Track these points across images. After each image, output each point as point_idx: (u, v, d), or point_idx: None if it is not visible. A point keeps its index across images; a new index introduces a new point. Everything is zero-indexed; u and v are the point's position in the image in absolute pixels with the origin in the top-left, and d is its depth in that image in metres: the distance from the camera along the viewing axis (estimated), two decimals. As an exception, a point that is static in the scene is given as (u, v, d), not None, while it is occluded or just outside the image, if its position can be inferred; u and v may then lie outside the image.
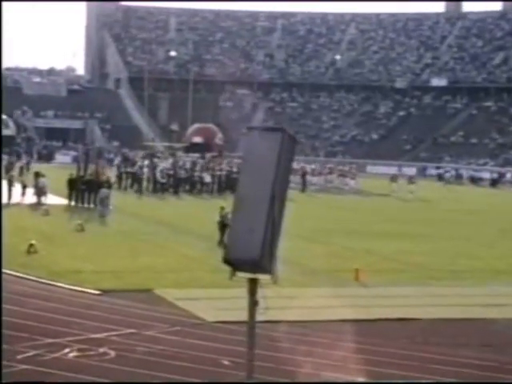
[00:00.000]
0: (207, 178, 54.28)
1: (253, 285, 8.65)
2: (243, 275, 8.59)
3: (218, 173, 54.83)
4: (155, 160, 62.72)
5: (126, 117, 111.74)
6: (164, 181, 53.32)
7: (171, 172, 54.61)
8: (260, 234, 8.27)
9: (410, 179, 62.12)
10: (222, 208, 28.24)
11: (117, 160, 65.92)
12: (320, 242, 31.48)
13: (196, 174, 55.45)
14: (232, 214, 8.58)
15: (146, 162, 59.21)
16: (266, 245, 8.31)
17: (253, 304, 8.69)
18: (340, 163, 79.08)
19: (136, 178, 53.51)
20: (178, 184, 53.37)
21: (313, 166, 69.36)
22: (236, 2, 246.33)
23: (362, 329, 17.49)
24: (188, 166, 59.25)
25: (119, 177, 54.58)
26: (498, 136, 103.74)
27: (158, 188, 52.62)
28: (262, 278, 8.57)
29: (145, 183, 53.76)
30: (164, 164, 58.60)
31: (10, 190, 42.23)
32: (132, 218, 37.46)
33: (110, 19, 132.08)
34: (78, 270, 23.42)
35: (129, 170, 56.16)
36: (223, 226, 27.00)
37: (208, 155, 78.08)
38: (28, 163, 67.76)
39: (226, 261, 8.49)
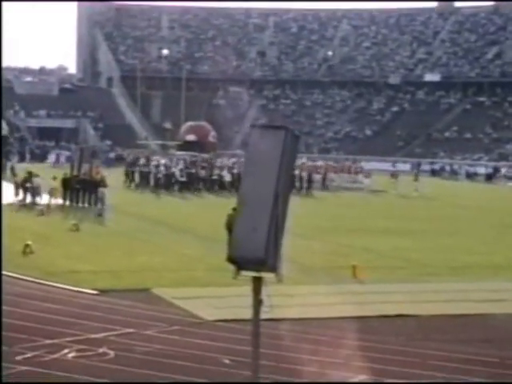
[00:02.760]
0: (227, 177, 54.04)
1: (257, 283, 8.57)
2: (247, 274, 8.50)
3: (236, 171, 53.85)
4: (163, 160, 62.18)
5: (119, 115, 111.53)
6: (183, 179, 53.38)
7: (193, 171, 54.84)
8: (264, 233, 8.20)
9: (415, 176, 61.97)
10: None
11: (129, 158, 65.88)
12: (317, 239, 31.39)
13: (216, 172, 55.25)
14: (236, 212, 8.50)
15: (163, 161, 59.26)
16: (270, 243, 8.23)
17: (257, 303, 8.61)
18: (335, 160, 79.07)
19: (154, 177, 53.59)
20: (198, 182, 53.34)
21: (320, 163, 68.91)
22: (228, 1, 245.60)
23: (362, 326, 17.41)
24: (205, 164, 58.93)
25: (130, 175, 55.25)
26: (492, 131, 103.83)
27: (177, 187, 52.72)
28: (267, 276, 8.49)
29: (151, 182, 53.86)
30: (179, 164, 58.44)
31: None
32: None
33: (102, 18, 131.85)
34: (74, 270, 23.31)
35: (144, 169, 56.12)
36: None
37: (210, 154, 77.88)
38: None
39: (230, 259, 8.40)
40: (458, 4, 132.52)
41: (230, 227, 26.53)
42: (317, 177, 59.45)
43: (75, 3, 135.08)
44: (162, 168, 55.23)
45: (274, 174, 8.33)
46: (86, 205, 40.88)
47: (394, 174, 64.43)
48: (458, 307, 20.04)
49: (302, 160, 62.01)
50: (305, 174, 56.81)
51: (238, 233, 8.38)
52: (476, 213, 45.16)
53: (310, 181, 56.83)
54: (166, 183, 53.36)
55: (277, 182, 8.31)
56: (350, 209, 45.77)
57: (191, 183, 53.44)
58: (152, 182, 53.51)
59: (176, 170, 54.59)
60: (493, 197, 59.02)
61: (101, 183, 40.62)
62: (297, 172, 54.77)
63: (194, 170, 55.05)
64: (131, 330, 16.60)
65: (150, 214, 38.51)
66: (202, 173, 54.84)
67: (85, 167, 44.07)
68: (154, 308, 18.80)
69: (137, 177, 55.24)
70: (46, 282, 21.43)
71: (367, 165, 78.10)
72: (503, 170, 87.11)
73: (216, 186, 53.65)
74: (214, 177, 54.47)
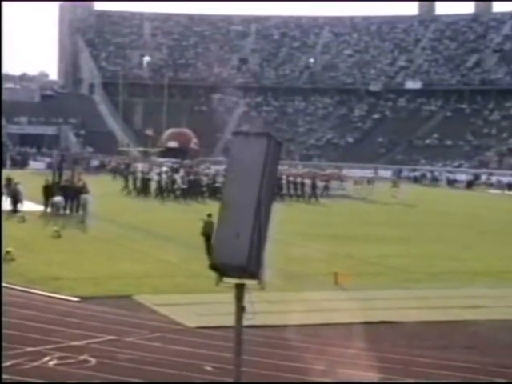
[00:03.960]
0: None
1: (240, 290, 8.57)
2: (230, 281, 8.49)
3: None
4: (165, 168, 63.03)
5: (101, 122, 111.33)
6: (185, 186, 53.62)
7: (192, 178, 55.33)
8: (247, 239, 8.20)
9: (393, 182, 62.29)
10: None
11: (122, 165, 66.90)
12: (299, 245, 31.40)
13: (219, 179, 55.32)
14: (218, 219, 8.49)
15: (165, 169, 60.42)
16: (253, 250, 8.23)
17: (240, 309, 8.60)
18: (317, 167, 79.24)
19: (158, 185, 54.28)
20: (201, 190, 53.43)
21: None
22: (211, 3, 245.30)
23: (344, 332, 17.43)
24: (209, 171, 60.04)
25: (133, 182, 56.00)
26: (472, 138, 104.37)
27: (179, 194, 52.97)
28: (249, 283, 8.48)
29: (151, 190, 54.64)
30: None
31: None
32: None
33: (83, 24, 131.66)
34: (55, 276, 23.19)
35: (146, 176, 56.92)
36: None
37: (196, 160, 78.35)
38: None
39: (213, 266, 8.39)
40: (438, 12, 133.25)
41: (206, 234, 26.63)
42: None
43: (57, 9, 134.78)
44: (163, 175, 55.99)
45: (257, 180, 8.33)
46: (68, 211, 40.69)
47: (370, 181, 64.86)
48: (440, 313, 20.09)
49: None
50: (308, 181, 57.62)
51: (220, 240, 8.38)
52: (456, 219, 45.34)
53: (314, 187, 57.31)
54: (168, 190, 53.79)
55: (259, 189, 8.32)
56: (332, 216, 45.81)
57: (193, 190, 53.46)
58: (153, 188, 54.22)
59: (177, 177, 55.06)
60: (473, 203, 59.31)
61: (83, 190, 40.44)
62: (299, 179, 57.01)
63: (193, 178, 55.56)
64: (113, 337, 16.52)
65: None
66: (205, 180, 55.01)
67: (67, 174, 43.94)
68: (135, 315, 18.72)
69: (138, 184, 55.81)
70: (27, 289, 21.31)
71: (349, 172, 78.44)
72: (483, 177, 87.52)
73: (218, 193, 53.72)
74: (217, 184, 54.30)
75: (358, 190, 62.68)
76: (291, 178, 58.17)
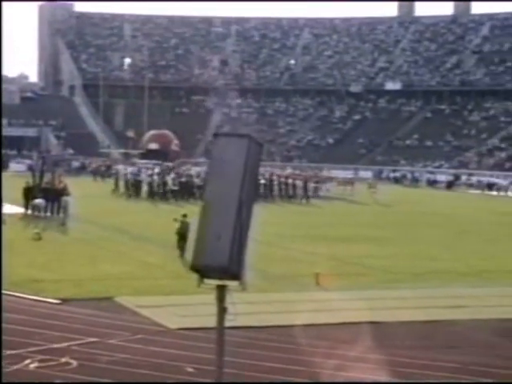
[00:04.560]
0: None
1: (221, 291, 8.56)
2: (211, 282, 8.49)
3: None
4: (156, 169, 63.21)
5: (81, 124, 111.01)
6: (176, 188, 53.58)
7: (184, 179, 55.43)
8: (228, 241, 8.19)
9: (370, 183, 62.47)
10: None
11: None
12: (280, 246, 31.42)
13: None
14: (199, 220, 8.48)
15: (156, 170, 60.69)
16: (234, 251, 8.23)
17: (221, 311, 8.60)
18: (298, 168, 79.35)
19: (149, 187, 54.49)
20: (192, 191, 53.53)
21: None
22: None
23: (326, 333, 17.47)
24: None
25: (125, 184, 56.34)
26: (452, 139, 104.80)
27: (169, 195, 52.98)
28: (231, 284, 8.48)
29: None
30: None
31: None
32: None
33: (63, 26, 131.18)
34: (36, 279, 23.09)
35: (137, 178, 57.18)
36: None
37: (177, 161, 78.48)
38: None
39: (194, 268, 8.38)
40: (417, 13, 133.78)
41: (181, 233, 27.08)
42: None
43: (36, 11, 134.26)
44: (155, 177, 56.05)
45: (238, 182, 8.34)
46: (49, 214, 40.51)
47: (350, 181, 65.05)
48: (421, 313, 20.15)
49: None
50: (299, 183, 58.03)
51: (201, 241, 8.36)
52: (437, 220, 45.49)
53: (305, 189, 57.66)
54: (159, 192, 53.84)
55: (241, 190, 8.32)
56: (311, 216, 45.87)
57: (184, 192, 53.44)
58: (145, 190, 54.41)
59: (169, 179, 55.12)
60: (453, 204, 59.53)
61: (64, 192, 40.30)
62: (290, 181, 57.61)
63: (184, 179, 55.66)
64: (94, 339, 16.48)
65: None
66: (196, 181, 55.05)
67: (47, 176, 43.74)
68: (117, 317, 18.68)
69: (129, 185, 55.98)
70: (8, 292, 21.19)
71: (330, 173, 78.59)
72: (463, 178, 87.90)
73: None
74: None
75: (341, 191, 62.83)
76: (282, 179, 58.60)
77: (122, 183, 57.56)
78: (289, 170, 72.22)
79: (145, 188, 55.07)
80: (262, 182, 55.73)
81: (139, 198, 53.87)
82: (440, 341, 17.76)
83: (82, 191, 48.89)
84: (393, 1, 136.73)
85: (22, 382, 13.37)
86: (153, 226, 36.63)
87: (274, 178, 58.77)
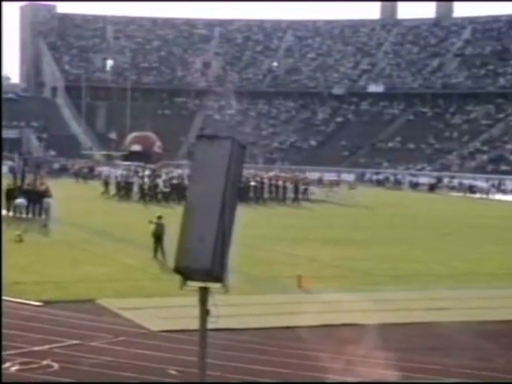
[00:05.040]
0: None
1: (204, 294, 8.58)
2: (194, 284, 8.50)
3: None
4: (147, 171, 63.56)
5: (63, 126, 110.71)
6: (167, 190, 53.62)
7: (175, 182, 55.38)
8: (211, 243, 8.21)
9: (350, 185, 62.60)
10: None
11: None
12: (262, 249, 31.44)
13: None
14: (182, 222, 8.49)
15: (147, 172, 61.07)
16: (217, 253, 8.24)
17: (204, 313, 8.61)
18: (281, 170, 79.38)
19: (140, 189, 54.68)
20: (183, 194, 53.56)
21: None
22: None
23: (309, 335, 17.47)
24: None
25: (116, 186, 56.64)
26: (434, 141, 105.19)
27: (160, 197, 53.02)
28: (213, 286, 8.50)
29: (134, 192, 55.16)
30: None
31: None
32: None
33: (45, 27, 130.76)
34: (18, 281, 22.97)
35: (128, 180, 57.44)
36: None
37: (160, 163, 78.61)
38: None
39: (177, 270, 8.39)
40: (400, 16, 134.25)
41: (156, 235, 27.11)
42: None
43: (17, 12, 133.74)
44: (146, 179, 56.25)
45: (221, 184, 8.36)
46: (30, 215, 40.35)
47: (335, 183, 65.17)
48: (402, 316, 20.22)
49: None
50: (290, 185, 58.32)
51: (184, 243, 8.38)
52: (419, 222, 45.68)
53: (296, 191, 58.01)
54: (150, 194, 53.88)
55: (223, 193, 8.34)
56: (293, 218, 45.92)
57: (176, 194, 53.41)
58: (136, 192, 54.59)
59: (160, 181, 55.19)
60: (435, 206, 59.75)
61: (46, 194, 40.16)
62: (281, 183, 58.12)
63: (176, 181, 55.58)
64: (76, 342, 16.43)
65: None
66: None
67: (29, 178, 43.58)
68: (99, 319, 18.62)
69: (120, 187, 56.24)
70: (-11, 294, 21.11)
71: (312, 175, 78.69)
72: (445, 180, 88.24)
73: None
74: None
75: (326, 193, 62.86)
76: (273, 182, 58.75)
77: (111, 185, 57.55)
78: (273, 173, 72.20)
79: (135, 190, 55.11)
80: (253, 184, 55.92)
81: (130, 199, 53.87)
82: (421, 343, 17.82)
83: (65, 193, 48.79)
84: (375, 1, 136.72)
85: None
86: (137, 228, 36.55)
87: (265, 180, 58.88)
